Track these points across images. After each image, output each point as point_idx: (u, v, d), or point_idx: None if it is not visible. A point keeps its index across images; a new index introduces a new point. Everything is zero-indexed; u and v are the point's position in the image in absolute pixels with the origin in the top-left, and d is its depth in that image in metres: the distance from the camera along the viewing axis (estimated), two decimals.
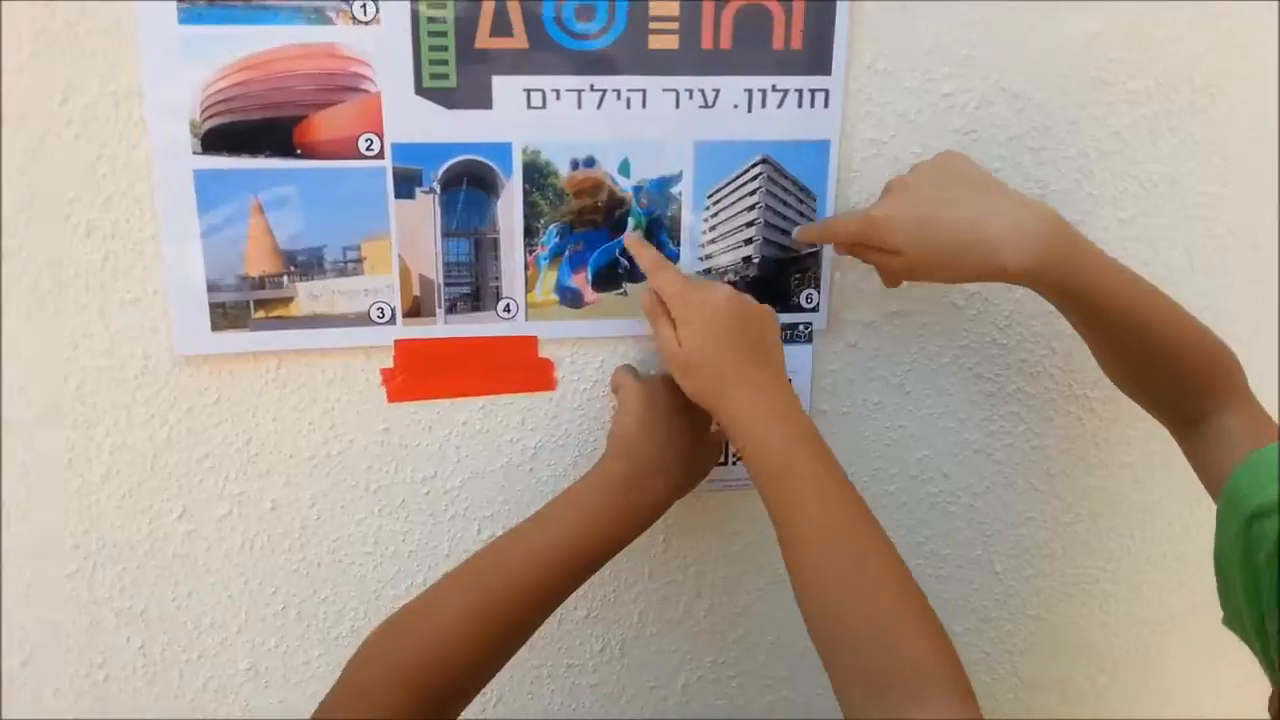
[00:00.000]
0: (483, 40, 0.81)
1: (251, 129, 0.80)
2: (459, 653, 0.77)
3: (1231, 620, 0.78)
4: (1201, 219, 1.00)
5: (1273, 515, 0.70)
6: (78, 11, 0.75)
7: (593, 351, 0.92)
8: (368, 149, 0.82)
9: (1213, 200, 0.99)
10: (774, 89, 0.86)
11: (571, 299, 0.89)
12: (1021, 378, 1.01)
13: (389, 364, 0.88)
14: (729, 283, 0.91)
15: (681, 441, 0.86)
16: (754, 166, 0.88)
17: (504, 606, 0.79)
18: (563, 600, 0.82)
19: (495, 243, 0.86)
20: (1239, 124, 0.98)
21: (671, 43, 0.84)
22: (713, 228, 0.90)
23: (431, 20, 0.80)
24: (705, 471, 0.92)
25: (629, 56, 0.83)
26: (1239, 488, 0.74)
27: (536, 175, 0.85)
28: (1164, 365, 0.85)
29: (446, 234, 0.85)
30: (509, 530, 0.83)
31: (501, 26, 0.81)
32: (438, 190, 0.84)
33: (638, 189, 0.87)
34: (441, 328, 0.88)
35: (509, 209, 0.86)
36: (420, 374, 0.89)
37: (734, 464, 0.96)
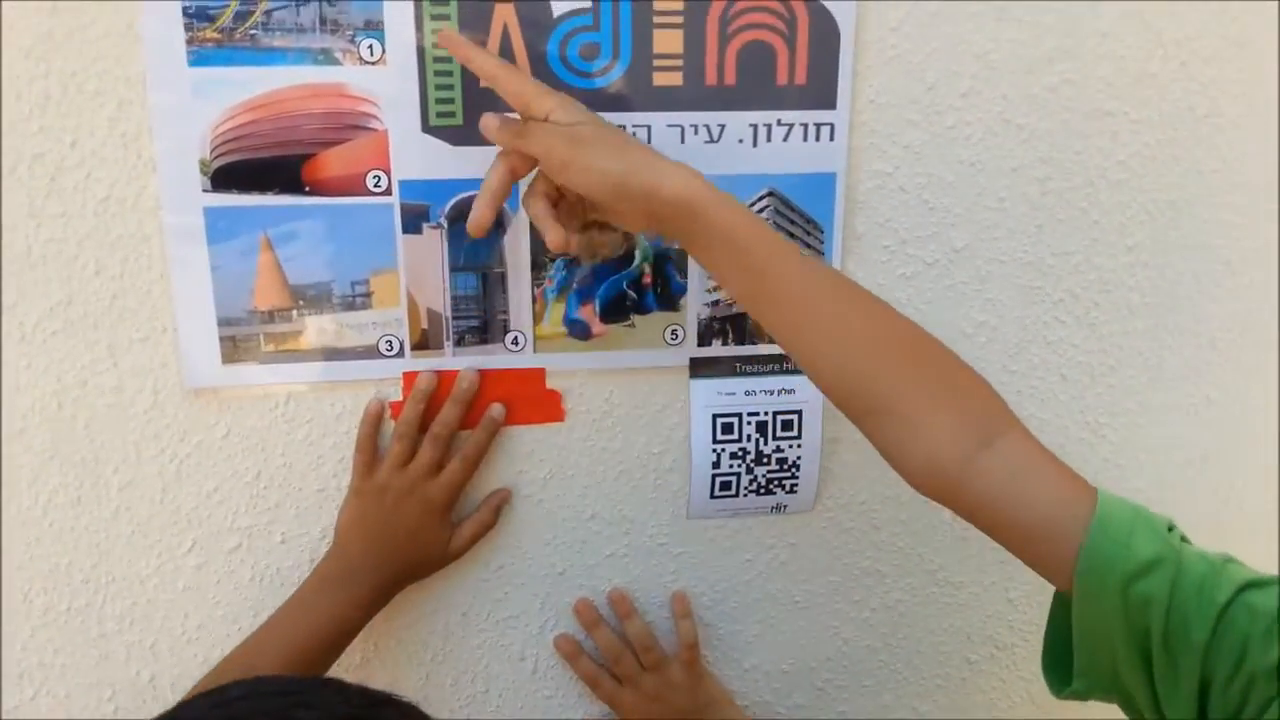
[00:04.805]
0: None
1: (261, 167, 0.80)
2: None
3: (1088, 688, 0.72)
4: (1207, 246, 1.00)
5: (1151, 573, 0.67)
6: (87, 54, 0.76)
7: (601, 382, 0.92)
8: (375, 185, 0.82)
9: (1220, 227, 0.99)
10: (779, 123, 0.87)
11: (579, 331, 0.90)
12: (1033, 404, 1.01)
13: (398, 396, 0.88)
14: (741, 312, 0.91)
15: (399, 537, 0.88)
16: (761, 199, 0.89)
17: None
18: None
19: (503, 277, 0.87)
20: (1242, 152, 0.98)
21: (676, 79, 0.84)
22: None
23: (438, 60, 0.80)
24: (434, 560, 0.91)
25: (634, 93, 0.84)
26: (1100, 555, 0.69)
27: None
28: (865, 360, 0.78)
29: (454, 268, 0.86)
30: (246, 639, 0.86)
31: None
32: (445, 225, 0.84)
33: None
34: (450, 360, 0.88)
35: (516, 243, 0.86)
36: (429, 406, 0.89)
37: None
